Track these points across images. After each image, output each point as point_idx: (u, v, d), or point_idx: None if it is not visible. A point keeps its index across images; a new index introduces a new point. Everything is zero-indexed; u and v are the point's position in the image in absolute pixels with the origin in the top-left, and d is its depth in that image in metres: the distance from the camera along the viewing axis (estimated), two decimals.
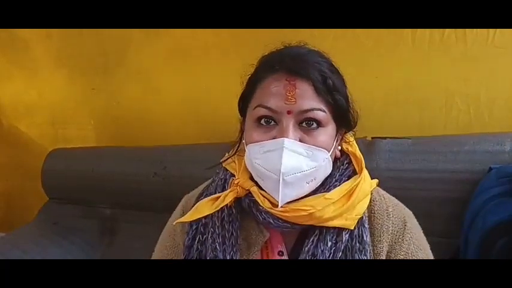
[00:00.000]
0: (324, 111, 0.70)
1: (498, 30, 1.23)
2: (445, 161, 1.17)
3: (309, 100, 0.69)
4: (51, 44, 2.03)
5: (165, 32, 1.72)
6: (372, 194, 0.78)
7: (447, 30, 1.29)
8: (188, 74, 1.70)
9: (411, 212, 0.80)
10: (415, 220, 0.80)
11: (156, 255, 0.88)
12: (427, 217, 1.16)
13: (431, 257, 0.78)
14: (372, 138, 1.29)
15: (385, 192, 0.82)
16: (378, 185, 0.83)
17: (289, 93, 0.68)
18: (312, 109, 0.69)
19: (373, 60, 1.39)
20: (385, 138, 1.26)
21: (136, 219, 1.66)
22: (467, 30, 1.26)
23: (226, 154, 0.84)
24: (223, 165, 0.84)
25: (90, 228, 1.75)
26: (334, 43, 1.43)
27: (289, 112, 0.68)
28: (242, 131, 0.80)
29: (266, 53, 0.77)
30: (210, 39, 1.62)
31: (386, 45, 1.37)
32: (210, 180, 0.86)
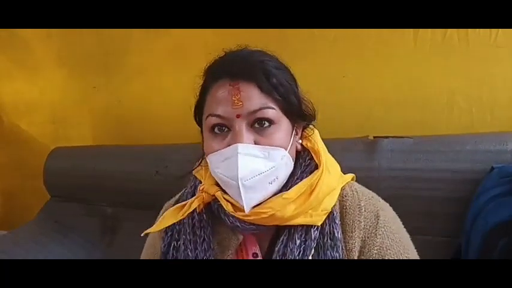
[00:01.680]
0: (273, 108, 0.70)
1: (500, 30, 1.23)
2: (447, 160, 1.17)
3: (256, 100, 0.69)
4: (52, 44, 2.04)
5: (166, 31, 1.72)
6: (344, 189, 0.77)
7: (449, 30, 1.28)
8: (189, 72, 1.68)
9: (387, 205, 0.79)
10: (392, 212, 0.78)
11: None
12: (429, 216, 1.18)
13: (412, 250, 0.76)
14: (374, 137, 1.29)
15: (359, 186, 0.80)
16: (355, 180, 0.82)
17: (235, 97, 0.68)
18: (260, 108, 0.69)
19: (375, 60, 1.39)
20: (386, 137, 1.26)
21: (137, 218, 1.66)
22: (470, 30, 1.26)
23: (197, 163, 0.85)
24: (193, 173, 0.85)
25: (92, 227, 1.75)
26: (335, 43, 1.43)
27: (238, 116, 0.68)
28: (203, 143, 0.79)
29: (210, 63, 0.78)
30: (210, 39, 1.62)
31: (387, 45, 1.36)
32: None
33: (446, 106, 1.33)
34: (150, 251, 0.87)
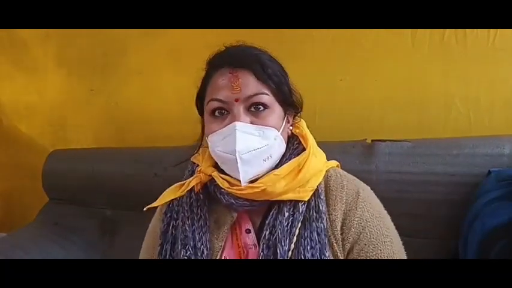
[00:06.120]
0: (268, 94, 0.79)
1: (499, 31, 1.23)
2: (445, 163, 1.17)
3: (252, 87, 0.78)
4: (50, 45, 2.04)
5: (164, 32, 1.72)
6: (329, 171, 0.87)
7: (447, 31, 1.29)
8: (187, 74, 1.68)
9: (368, 187, 0.87)
10: (372, 194, 0.86)
11: (142, 248, 0.97)
12: (426, 219, 1.18)
13: (393, 229, 0.83)
14: (372, 141, 1.29)
15: (343, 171, 0.89)
16: (339, 168, 0.92)
17: (234, 83, 0.78)
18: (256, 94, 0.78)
19: (373, 62, 1.39)
20: (384, 141, 1.26)
21: (136, 220, 1.65)
22: (468, 31, 1.26)
23: (195, 151, 0.95)
24: (191, 159, 0.94)
25: (91, 229, 1.75)
26: (333, 44, 1.43)
27: (236, 100, 0.78)
28: (203, 129, 0.89)
29: (211, 55, 0.88)
30: (208, 40, 1.61)
31: (385, 47, 1.37)
32: None
33: (443, 109, 1.33)
34: (152, 235, 0.94)
